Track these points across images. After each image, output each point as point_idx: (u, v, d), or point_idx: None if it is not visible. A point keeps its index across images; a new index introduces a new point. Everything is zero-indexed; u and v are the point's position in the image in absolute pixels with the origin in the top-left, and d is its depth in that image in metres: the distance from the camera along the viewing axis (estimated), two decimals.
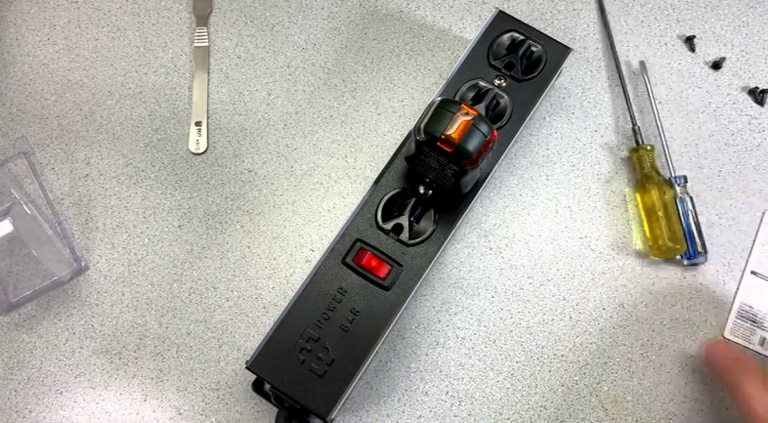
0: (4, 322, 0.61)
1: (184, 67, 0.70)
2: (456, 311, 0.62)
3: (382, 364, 0.60)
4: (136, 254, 0.63)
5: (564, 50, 0.64)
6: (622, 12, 0.73)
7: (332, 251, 0.57)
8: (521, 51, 0.64)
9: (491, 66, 0.64)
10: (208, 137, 0.67)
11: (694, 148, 0.68)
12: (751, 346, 0.61)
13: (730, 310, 0.62)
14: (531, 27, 0.65)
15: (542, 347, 0.61)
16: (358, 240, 0.57)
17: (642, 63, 0.70)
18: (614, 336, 0.62)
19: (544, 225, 0.65)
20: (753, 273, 0.63)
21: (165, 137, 0.67)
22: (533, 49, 0.64)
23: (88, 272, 0.62)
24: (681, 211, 0.63)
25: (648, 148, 0.65)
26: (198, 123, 0.67)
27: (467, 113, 0.51)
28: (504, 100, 0.62)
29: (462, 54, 0.65)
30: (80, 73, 0.69)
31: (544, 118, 0.69)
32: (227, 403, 0.59)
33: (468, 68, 0.63)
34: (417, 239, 0.58)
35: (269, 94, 0.69)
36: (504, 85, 0.63)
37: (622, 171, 0.67)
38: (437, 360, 0.61)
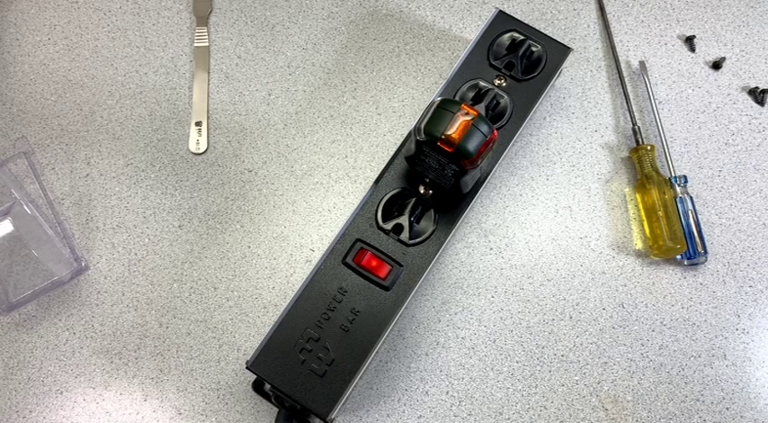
0: (4, 322, 0.61)
1: (184, 67, 0.70)
2: (456, 311, 0.62)
3: (382, 364, 0.60)
4: (136, 254, 0.63)
5: (564, 50, 0.64)
6: (622, 12, 0.73)
7: (332, 251, 0.57)
8: (521, 51, 0.64)
9: (491, 66, 0.64)
10: (208, 137, 0.67)
11: (694, 148, 0.68)
12: None
13: None
14: (531, 27, 0.65)
15: (542, 347, 0.61)
16: (358, 240, 0.57)
17: (642, 63, 0.70)
18: (614, 336, 0.62)
19: (544, 225, 0.65)
20: None
21: (165, 137, 0.67)
22: (533, 49, 0.64)
23: (88, 272, 0.62)
24: (681, 211, 0.63)
25: (648, 148, 0.65)
26: (198, 123, 0.67)
27: (467, 113, 0.51)
28: (504, 100, 0.62)
29: (462, 54, 0.65)
30: (80, 73, 0.69)
31: (544, 118, 0.69)
32: (227, 403, 0.59)
33: (468, 68, 0.63)
34: (417, 239, 0.58)
35: (269, 94, 0.69)
36: (504, 85, 0.63)
37: (622, 171, 0.67)
38: (437, 360, 0.61)
